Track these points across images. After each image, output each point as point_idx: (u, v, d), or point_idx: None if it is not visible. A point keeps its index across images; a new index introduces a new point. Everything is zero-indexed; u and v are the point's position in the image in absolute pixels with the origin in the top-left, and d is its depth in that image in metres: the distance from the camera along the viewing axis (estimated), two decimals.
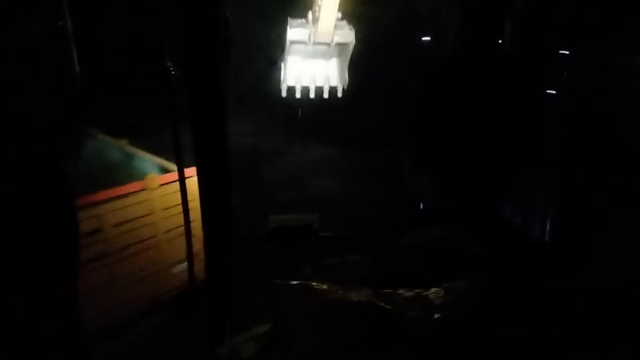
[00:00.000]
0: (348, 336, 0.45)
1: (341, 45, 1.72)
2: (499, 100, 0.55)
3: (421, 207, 0.65)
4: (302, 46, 1.69)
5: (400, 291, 0.46)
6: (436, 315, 0.43)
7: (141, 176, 2.14)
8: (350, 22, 1.49)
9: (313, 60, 1.90)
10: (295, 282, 0.51)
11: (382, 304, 0.45)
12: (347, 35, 1.71)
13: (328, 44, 1.77)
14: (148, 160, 2.43)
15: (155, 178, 2.11)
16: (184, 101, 1.21)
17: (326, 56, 1.85)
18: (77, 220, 1.09)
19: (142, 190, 2.05)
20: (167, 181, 2.12)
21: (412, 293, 0.46)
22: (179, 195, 1.40)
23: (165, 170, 2.29)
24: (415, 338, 0.43)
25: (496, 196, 0.61)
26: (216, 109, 1.21)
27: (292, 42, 1.63)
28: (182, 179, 1.36)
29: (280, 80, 1.60)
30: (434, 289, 0.45)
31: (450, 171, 0.59)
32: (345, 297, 0.47)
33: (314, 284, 0.50)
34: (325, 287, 0.49)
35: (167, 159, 2.34)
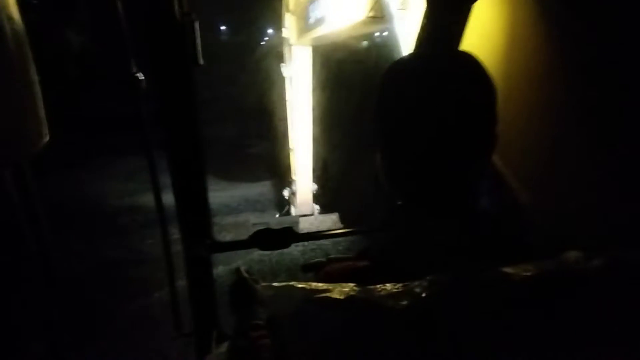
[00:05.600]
0: (334, 333, 0.45)
1: None
2: (458, 98, 0.57)
3: (398, 203, 0.66)
4: None
5: (385, 285, 0.47)
6: (421, 307, 0.44)
7: None
8: None
9: None
10: (279, 283, 0.51)
11: (367, 299, 0.46)
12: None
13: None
14: None
15: None
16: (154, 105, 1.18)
17: None
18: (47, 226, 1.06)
19: None
20: None
21: (396, 286, 0.46)
22: None
23: None
24: (402, 330, 0.44)
25: (469, 189, 0.63)
26: (187, 113, 1.19)
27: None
28: (155, 185, 1.33)
29: None
30: (417, 282, 0.46)
31: (421, 168, 0.60)
32: (330, 294, 0.47)
33: (299, 283, 0.50)
34: (310, 286, 0.49)
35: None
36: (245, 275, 0.98)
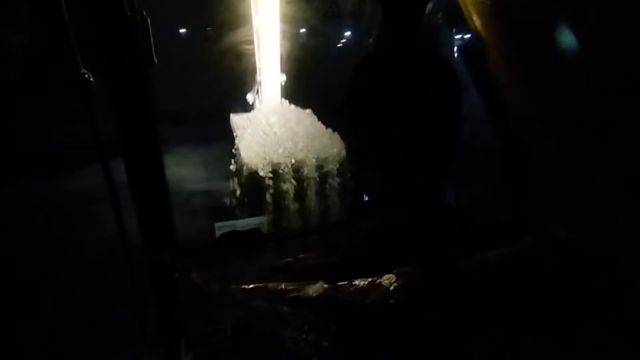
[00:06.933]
0: (306, 332, 0.45)
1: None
2: (427, 95, 0.58)
3: (365, 198, 0.67)
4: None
5: (355, 281, 0.47)
6: (390, 301, 0.45)
7: None
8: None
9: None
10: (251, 285, 0.50)
11: (338, 296, 0.46)
12: None
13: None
14: None
15: None
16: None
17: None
18: None
19: None
20: None
21: (365, 282, 0.47)
22: None
23: None
24: (371, 324, 0.44)
25: (435, 182, 0.64)
26: (142, 116, 1.14)
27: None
28: (112, 190, 1.26)
29: None
30: (386, 276, 0.47)
31: (391, 163, 0.61)
32: (302, 293, 0.47)
33: (270, 284, 0.50)
34: (281, 286, 0.49)
35: None
36: (199, 282, 0.94)
